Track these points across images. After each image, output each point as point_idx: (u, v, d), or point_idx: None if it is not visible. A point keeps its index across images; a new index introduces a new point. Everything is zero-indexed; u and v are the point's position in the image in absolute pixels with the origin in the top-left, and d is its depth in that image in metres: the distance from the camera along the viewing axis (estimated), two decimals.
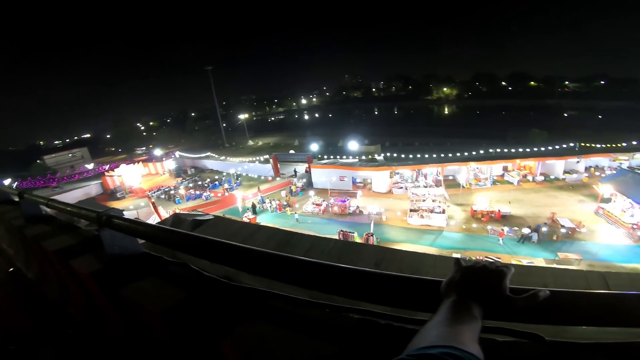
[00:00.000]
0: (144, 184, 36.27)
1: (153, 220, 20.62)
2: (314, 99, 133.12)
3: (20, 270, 2.63)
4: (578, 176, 25.74)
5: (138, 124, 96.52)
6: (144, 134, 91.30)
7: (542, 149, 29.98)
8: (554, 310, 0.62)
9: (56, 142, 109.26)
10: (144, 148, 63.61)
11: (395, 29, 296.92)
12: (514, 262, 13.54)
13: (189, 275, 1.36)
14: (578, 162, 26.68)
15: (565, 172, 26.25)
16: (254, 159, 37.97)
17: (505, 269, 0.65)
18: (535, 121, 51.50)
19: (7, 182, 35.38)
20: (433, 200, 21.88)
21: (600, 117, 61.15)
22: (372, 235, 17.83)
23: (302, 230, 17.48)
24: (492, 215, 20.32)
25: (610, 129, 42.44)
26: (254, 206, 24.97)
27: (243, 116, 71.40)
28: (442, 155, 29.58)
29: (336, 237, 17.20)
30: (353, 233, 18.46)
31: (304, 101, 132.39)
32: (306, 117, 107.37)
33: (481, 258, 14.71)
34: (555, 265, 13.66)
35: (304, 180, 30.15)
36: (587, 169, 26.85)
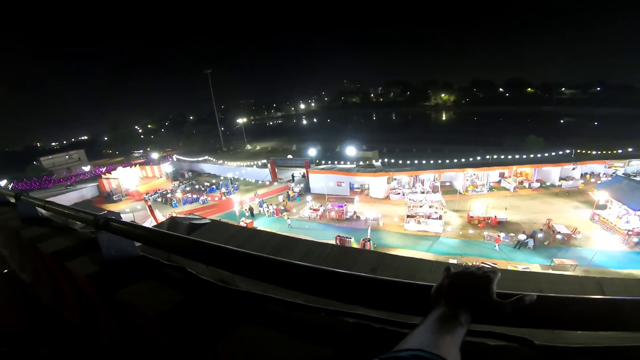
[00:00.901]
0: (141, 187, 36.05)
1: (149, 223, 20.48)
2: (313, 104, 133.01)
3: (14, 272, 2.62)
4: (574, 183, 25.88)
5: (136, 127, 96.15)
6: (142, 136, 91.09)
7: (539, 155, 30.28)
8: (541, 314, 0.64)
9: (53, 143, 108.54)
10: (142, 151, 63.39)
11: (395, 33, 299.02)
12: (510, 267, 13.55)
13: (185, 279, 1.37)
14: (574, 169, 26.87)
15: (561, 178, 26.36)
16: (252, 163, 37.95)
17: (492, 274, 0.67)
18: (532, 128, 51.97)
19: (3, 183, 35.18)
20: (430, 206, 21.88)
21: (596, 123, 61.79)
22: (369, 241, 17.80)
23: (298, 235, 17.42)
24: (489, 221, 20.35)
25: (606, 135, 42.96)
26: (251, 209, 24.91)
27: (241, 120, 71.38)
28: (440, 161, 29.65)
29: (333, 242, 17.17)
30: (350, 238, 18.43)
31: (302, 106, 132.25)
32: (304, 122, 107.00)
33: (477, 264, 14.73)
34: (550, 271, 13.68)
35: (302, 185, 30.07)
36: (582, 175, 26.99)
